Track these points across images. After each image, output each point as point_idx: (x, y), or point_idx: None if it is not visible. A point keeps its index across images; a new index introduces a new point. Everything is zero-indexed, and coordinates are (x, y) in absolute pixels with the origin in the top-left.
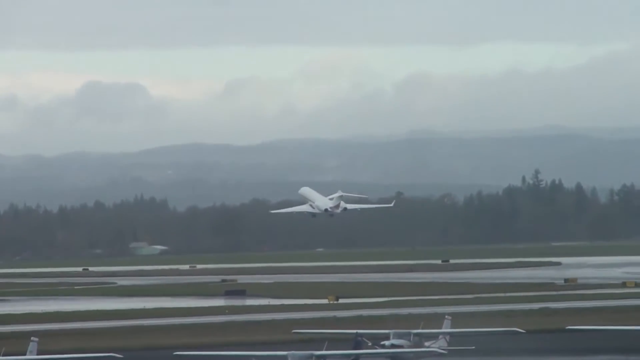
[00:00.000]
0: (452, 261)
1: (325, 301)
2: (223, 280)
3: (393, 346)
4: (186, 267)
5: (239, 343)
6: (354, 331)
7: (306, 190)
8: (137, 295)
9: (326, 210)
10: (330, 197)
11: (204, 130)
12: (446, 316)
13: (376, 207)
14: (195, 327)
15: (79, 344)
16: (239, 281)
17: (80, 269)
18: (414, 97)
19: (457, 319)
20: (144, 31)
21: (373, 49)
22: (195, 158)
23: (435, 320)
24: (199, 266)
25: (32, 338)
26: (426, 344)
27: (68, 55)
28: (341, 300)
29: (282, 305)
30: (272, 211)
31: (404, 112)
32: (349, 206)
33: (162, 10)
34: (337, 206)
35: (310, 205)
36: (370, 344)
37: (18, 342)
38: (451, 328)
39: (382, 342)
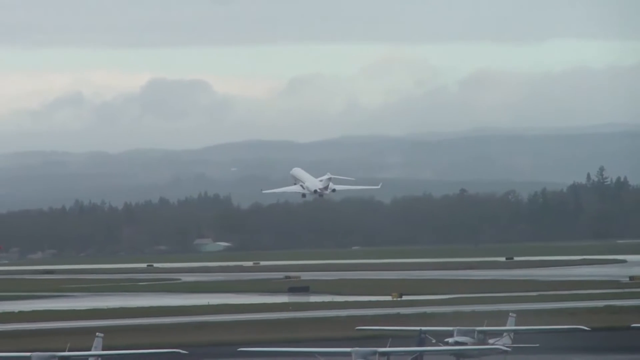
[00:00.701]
0: (516, 258)
1: (388, 298)
2: (286, 277)
3: (457, 343)
4: (250, 263)
5: (302, 340)
6: (418, 328)
7: (297, 171)
8: (201, 291)
9: (315, 191)
10: (320, 178)
11: (267, 127)
12: (510, 314)
13: (363, 189)
14: (259, 324)
15: (144, 339)
16: (302, 278)
17: (144, 265)
18: (477, 94)
19: (521, 317)
20: (208, 28)
21: (436, 46)
22: (259, 155)
23: (500, 317)
24: (262, 263)
25: (97, 334)
26: (490, 341)
27: (133, 52)
28: (405, 297)
29: (346, 302)
30: (264, 191)
31: (467, 109)
32: (337, 187)
33: (227, 7)
34: (326, 187)
35: (301, 186)
36: (434, 341)
37: (83, 338)
38: (515, 325)
39: (446, 340)
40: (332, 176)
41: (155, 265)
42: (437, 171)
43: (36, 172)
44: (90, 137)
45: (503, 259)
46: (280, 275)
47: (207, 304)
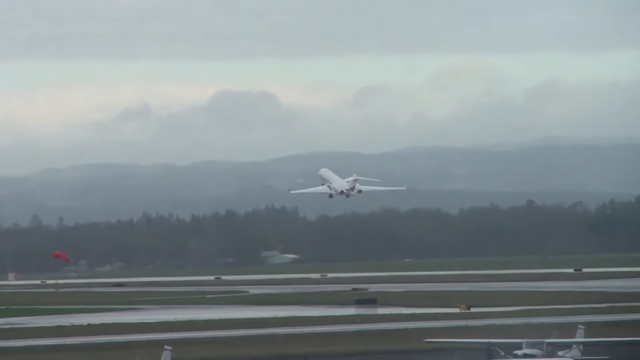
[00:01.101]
0: (584, 270)
1: (457, 310)
2: (354, 289)
3: (526, 356)
4: (317, 275)
5: (370, 352)
6: (486, 340)
7: (325, 172)
8: (269, 304)
9: (342, 192)
10: (347, 179)
11: (333, 139)
12: (579, 325)
13: (389, 190)
14: (327, 336)
15: (212, 352)
16: (369, 290)
17: (212, 277)
18: (544, 103)
19: (590, 329)
20: (274, 40)
21: (503, 57)
22: (325, 166)
23: (569, 329)
24: (329, 275)
25: (165, 347)
26: (559, 353)
27: (200, 64)
28: (473, 309)
29: (413, 314)
30: (292, 191)
31: (534, 119)
32: (364, 188)
33: (292, 19)
34: (352, 188)
35: (328, 187)
36: (502, 353)
37: (152, 351)
38: (585, 337)
39: (515, 352)
40: (358, 177)
41: (222, 277)
42: (503, 182)
43: (104, 185)
44: (157, 149)
45: (571, 270)
46: (347, 287)
47: (274, 316)
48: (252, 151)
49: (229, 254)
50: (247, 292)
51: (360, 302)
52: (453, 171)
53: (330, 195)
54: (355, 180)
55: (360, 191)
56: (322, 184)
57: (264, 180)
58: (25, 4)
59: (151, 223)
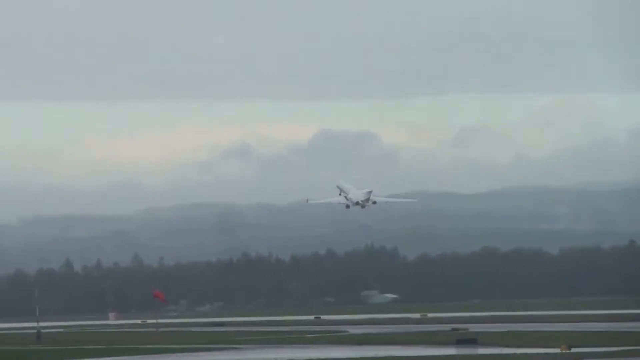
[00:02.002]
0: None
1: (557, 350)
2: (454, 329)
3: None
4: (417, 315)
5: None
6: None
7: (342, 184)
8: (369, 343)
9: (357, 202)
10: (362, 191)
11: (433, 178)
12: None
13: (402, 202)
14: None
15: None
16: (470, 329)
17: (311, 317)
18: None
19: None
20: (375, 80)
21: (604, 96)
22: (425, 206)
23: None
24: (429, 314)
25: None
26: None
27: (300, 104)
28: (574, 350)
29: (514, 354)
30: (310, 201)
31: (635, 158)
32: (378, 199)
33: (393, 59)
34: (367, 200)
35: (345, 197)
36: None
37: None
38: None
39: None
40: (373, 190)
41: (322, 317)
42: (605, 222)
43: (204, 224)
44: (257, 188)
45: None
46: (447, 327)
47: (374, 356)
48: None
49: (329, 293)
50: (347, 331)
51: (460, 342)
52: (553, 211)
53: (347, 206)
54: (370, 192)
55: (375, 202)
56: (340, 194)
57: (364, 219)
58: (126, 43)
59: (251, 262)
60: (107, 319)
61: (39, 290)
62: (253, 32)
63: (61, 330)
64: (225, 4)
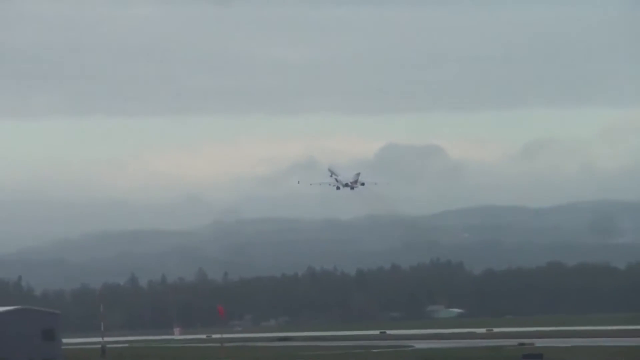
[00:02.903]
0: None
1: None
2: (520, 344)
3: None
4: (483, 330)
5: None
6: None
7: (333, 166)
8: (434, 358)
9: (346, 184)
10: (351, 173)
11: (500, 192)
12: None
13: (387, 183)
14: None
15: None
16: (536, 345)
17: (377, 331)
18: None
19: None
20: (442, 93)
21: None
22: (491, 220)
23: None
24: (495, 329)
25: None
26: None
27: (367, 118)
28: None
29: None
30: (300, 182)
31: None
32: (366, 180)
33: (460, 72)
34: (356, 182)
35: (335, 179)
36: None
37: None
38: None
39: None
40: (360, 172)
41: (387, 332)
42: None
43: (269, 239)
44: (323, 203)
45: None
46: (513, 342)
47: None
48: (417, 205)
49: (394, 308)
50: (412, 346)
51: (526, 358)
52: (621, 225)
53: (338, 187)
54: (358, 174)
55: (363, 184)
56: (331, 176)
57: (429, 234)
58: (192, 58)
59: (316, 277)
60: (172, 333)
61: (104, 305)
62: (320, 46)
63: (126, 345)
64: (293, 19)
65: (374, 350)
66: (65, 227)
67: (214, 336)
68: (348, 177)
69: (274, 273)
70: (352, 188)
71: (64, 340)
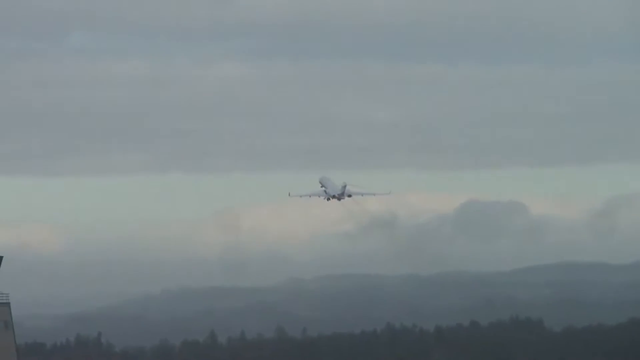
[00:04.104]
0: None
1: None
2: None
3: None
4: None
5: None
6: None
7: (323, 179)
8: None
9: (334, 196)
10: (339, 185)
11: (581, 249)
12: None
13: (375, 196)
14: None
15: None
16: None
17: None
18: None
19: None
20: (524, 150)
21: None
22: (572, 277)
23: None
24: None
25: None
26: None
27: (448, 174)
28: None
29: None
30: (292, 194)
31: None
32: (353, 190)
33: (540, 129)
34: (343, 193)
35: (324, 191)
36: None
37: None
38: None
39: None
40: (348, 184)
41: None
42: None
43: (348, 295)
44: (403, 259)
45: None
46: None
47: None
48: (497, 261)
49: None
50: None
51: None
52: None
53: (328, 199)
54: (345, 186)
55: (350, 195)
56: (321, 187)
57: (509, 290)
58: (275, 115)
59: (395, 334)
60: None
61: None
62: (400, 104)
63: None
64: (376, 78)
65: None
66: (146, 284)
67: None
68: (336, 189)
69: (353, 329)
70: (339, 199)
71: None
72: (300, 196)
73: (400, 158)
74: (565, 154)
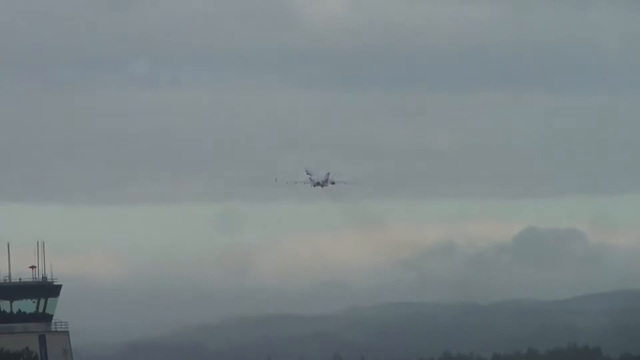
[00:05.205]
0: None
1: None
2: None
3: None
4: None
5: None
6: None
7: (310, 168)
8: None
9: (318, 183)
10: (322, 173)
11: (639, 276)
12: None
13: (357, 184)
14: None
15: None
16: None
17: None
18: None
19: None
20: (580, 178)
21: None
22: (631, 305)
23: None
24: None
25: None
26: None
27: (506, 202)
28: None
29: None
30: (277, 180)
31: None
32: (336, 179)
33: (599, 156)
34: (326, 181)
35: (310, 179)
36: None
37: None
38: None
39: None
40: (330, 172)
41: None
42: None
43: (406, 323)
44: (460, 287)
45: None
46: None
47: None
48: (554, 289)
49: None
50: None
51: None
52: None
53: (314, 186)
54: (328, 174)
55: (333, 183)
56: (307, 175)
57: (567, 318)
58: (334, 143)
59: None
60: None
61: None
62: (458, 132)
63: None
64: (436, 105)
65: None
66: (204, 312)
67: None
68: (320, 177)
69: (411, 357)
70: (322, 186)
71: None
72: (287, 182)
73: (459, 186)
74: (623, 181)
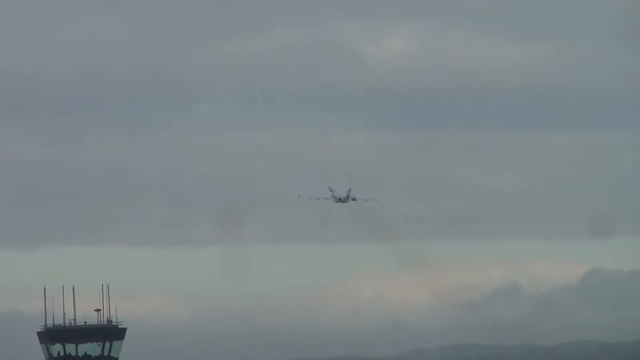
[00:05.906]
0: None
1: None
2: None
3: None
4: None
5: None
6: None
7: (332, 185)
8: None
9: (340, 199)
10: (344, 190)
11: None
12: None
13: (377, 201)
14: None
15: None
16: None
17: None
18: None
19: None
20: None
21: None
22: None
23: None
24: None
25: None
26: None
27: (571, 243)
28: None
29: None
30: (301, 196)
31: None
32: (358, 196)
33: None
34: (348, 197)
35: (332, 195)
36: None
37: None
38: None
39: None
40: (351, 189)
41: None
42: None
43: None
44: (525, 329)
45: None
46: None
47: None
48: (620, 331)
49: None
50: None
51: None
52: None
53: (336, 201)
54: (349, 190)
55: (354, 199)
56: (330, 191)
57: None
58: (391, 182)
59: None
60: None
61: None
62: (522, 172)
63: None
64: (495, 144)
65: None
66: (268, 355)
67: None
68: (342, 194)
69: None
70: (343, 202)
71: None
72: (309, 198)
73: (522, 226)
74: None
